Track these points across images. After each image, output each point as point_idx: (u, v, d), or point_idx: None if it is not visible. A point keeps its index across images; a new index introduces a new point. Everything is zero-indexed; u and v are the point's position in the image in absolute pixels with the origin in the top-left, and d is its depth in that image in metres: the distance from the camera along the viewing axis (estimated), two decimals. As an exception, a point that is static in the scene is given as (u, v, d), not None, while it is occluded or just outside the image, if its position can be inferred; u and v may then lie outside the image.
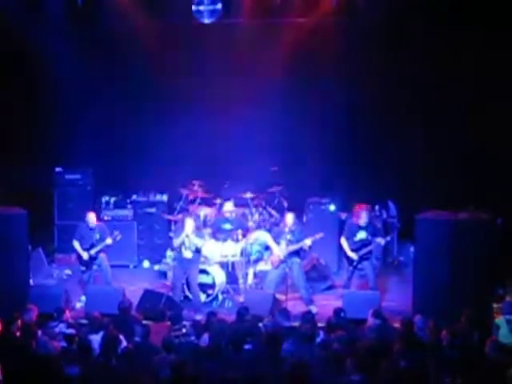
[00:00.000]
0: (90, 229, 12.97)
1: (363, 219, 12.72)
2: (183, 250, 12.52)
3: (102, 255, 12.96)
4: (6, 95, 14.39)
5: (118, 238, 13.06)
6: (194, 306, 12.47)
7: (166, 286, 13.29)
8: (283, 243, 12.54)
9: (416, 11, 13.77)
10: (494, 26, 13.28)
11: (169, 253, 14.01)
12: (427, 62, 14.35)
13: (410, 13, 13.83)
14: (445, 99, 14.49)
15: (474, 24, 13.38)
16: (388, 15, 13.76)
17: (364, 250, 12.66)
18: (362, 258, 12.66)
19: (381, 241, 12.74)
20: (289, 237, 12.53)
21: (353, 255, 12.67)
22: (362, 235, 12.72)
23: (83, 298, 12.56)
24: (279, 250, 12.55)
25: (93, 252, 12.84)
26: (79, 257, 12.98)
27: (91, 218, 13.01)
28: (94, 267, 12.96)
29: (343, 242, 12.84)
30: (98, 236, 12.91)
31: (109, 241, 12.88)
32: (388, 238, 13.07)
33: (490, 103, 14.02)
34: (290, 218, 12.70)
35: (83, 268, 12.99)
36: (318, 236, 12.48)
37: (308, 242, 12.45)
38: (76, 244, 12.94)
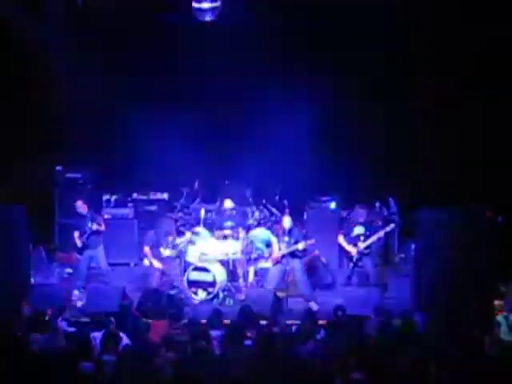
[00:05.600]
0: (82, 217, 13.16)
1: (363, 218, 12.77)
2: (162, 249, 12.62)
3: (100, 254, 13.12)
4: (6, 94, 14.39)
5: (103, 227, 13.20)
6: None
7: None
8: (282, 243, 12.61)
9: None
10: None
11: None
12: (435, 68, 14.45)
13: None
14: (447, 96, 14.48)
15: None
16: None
17: (363, 244, 12.64)
18: (362, 255, 12.65)
19: (381, 232, 12.73)
20: (286, 238, 12.59)
21: (352, 249, 12.65)
22: (359, 230, 12.72)
23: (77, 292, 12.79)
24: (278, 249, 12.59)
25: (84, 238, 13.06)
26: (76, 246, 13.23)
27: (80, 206, 13.21)
28: (93, 264, 13.13)
29: (340, 238, 12.85)
30: (90, 223, 13.08)
31: (94, 226, 13.02)
32: (388, 229, 12.96)
33: (498, 98, 14.01)
34: (286, 221, 12.75)
35: (78, 256, 13.27)
36: (310, 242, 12.55)
37: (300, 246, 12.50)
38: (75, 234, 13.15)
